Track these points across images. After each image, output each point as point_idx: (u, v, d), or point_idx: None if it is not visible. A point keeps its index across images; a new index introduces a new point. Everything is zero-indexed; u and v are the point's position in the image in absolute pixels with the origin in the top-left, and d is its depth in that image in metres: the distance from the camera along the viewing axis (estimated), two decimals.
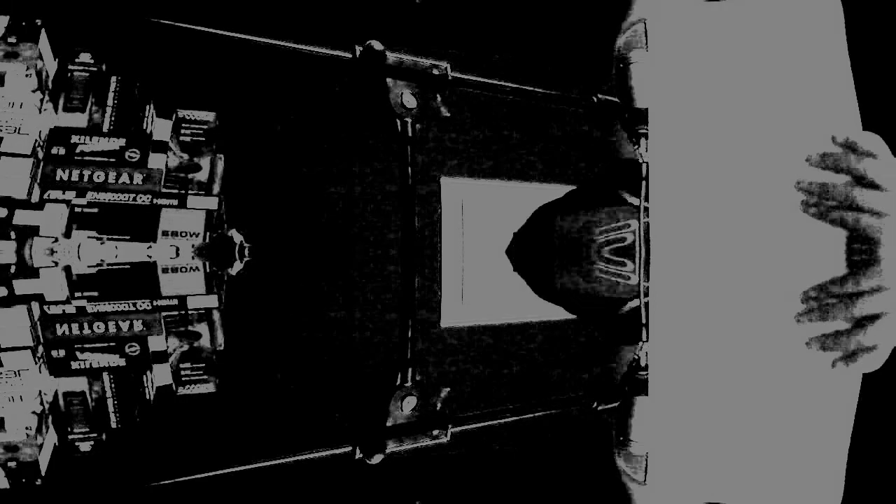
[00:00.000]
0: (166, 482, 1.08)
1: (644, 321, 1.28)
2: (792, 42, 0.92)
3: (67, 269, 0.95)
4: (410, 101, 1.32)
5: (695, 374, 0.98)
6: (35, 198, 0.96)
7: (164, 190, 1.03)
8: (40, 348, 0.98)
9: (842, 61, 0.90)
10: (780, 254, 0.93)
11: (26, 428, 0.96)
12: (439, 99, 1.35)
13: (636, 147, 1.31)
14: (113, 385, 1.02)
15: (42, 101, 0.99)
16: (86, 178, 1.00)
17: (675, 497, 1.00)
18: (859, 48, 0.91)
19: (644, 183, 1.25)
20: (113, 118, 1.04)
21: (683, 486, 0.99)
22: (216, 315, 1.09)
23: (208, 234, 1.02)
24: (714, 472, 0.97)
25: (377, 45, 1.28)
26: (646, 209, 1.23)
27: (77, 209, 0.97)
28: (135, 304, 1.00)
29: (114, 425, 1.03)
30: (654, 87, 1.00)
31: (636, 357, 1.34)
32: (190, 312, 1.05)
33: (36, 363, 0.96)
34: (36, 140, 0.97)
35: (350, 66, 1.26)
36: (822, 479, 0.92)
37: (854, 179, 0.89)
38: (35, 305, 0.96)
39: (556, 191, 1.49)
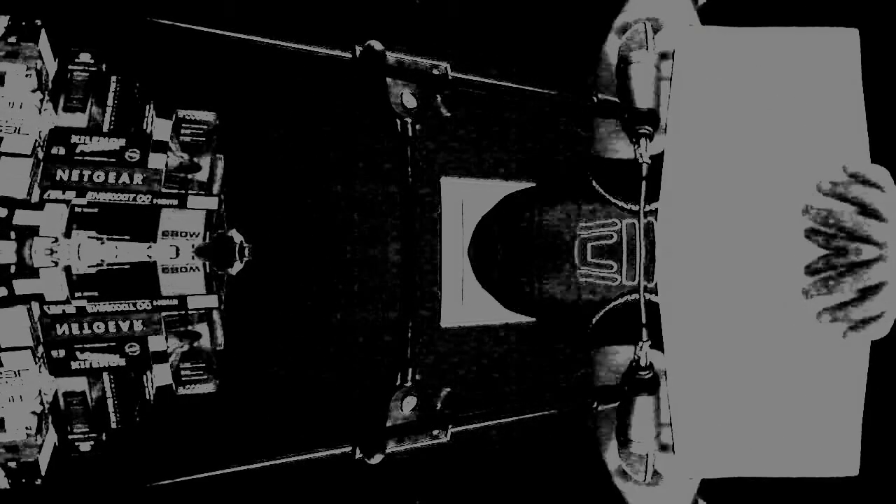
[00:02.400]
0: (166, 482, 1.08)
1: (644, 321, 1.28)
2: (809, 74, 0.98)
3: (67, 269, 0.95)
4: (410, 101, 1.32)
5: (711, 357, 1.02)
6: (35, 198, 0.96)
7: (164, 190, 1.03)
8: (40, 348, 0.98)
9: (856, 95, 0.96)
10: (788, 250, 0.97)
11: (26, 428, 0.96)
12: (439, 99, 1.35)
13: (637, 147, 1.31)
14: (113, 385, 1.02)
15: (42, 101, 0.99)
16: (86, 178, 1.00)
17: (698, 470, 1.05)
18: (873, 83, 0.95)
19: (644, 183, 1.25)
20: (113, 118, 1.04)
21: (705, 459, 1.03)
22: (216, 315, 1.09)
23: (208, 234, 1.02)
24: (734, 443, 1.01)
25: (377, 45, 1.28)
26: (648, 212, 1.23)
27: (77, 209, 0.97)
28: (135, 304, 1.00)
29: (114, 425, 1.03)
30: (674, 110, 1.04)
31: (636, 357, 1.34)
32: (190, 312, 1.05)
33: (36, 363, 0.96)
34: (36, 140, 0.97)
35: (350, 66, 1.26)
36: (840, 446, 0.97)
37: (859, 209, 0.94)
38: (35, 305, 0.96)
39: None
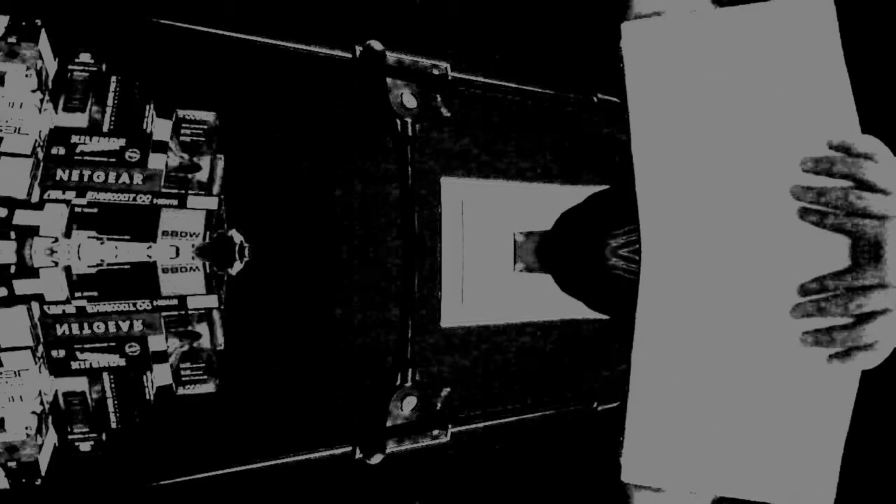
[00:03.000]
0: (166, 482, 1.08)
1: None
2: (783, 48, 0.89)
3: (67, 269, 0.95)
4: (410, 101, 1.32)
5: (685, 363, 0.96)
6: (35, 198, 0.96)
7: (164, 190, 1.03)
8: (40, 348, 0.98)
9: (837, 65, 0.88)
10: (780, 254, 0.91)
11: (26, 428, 0.95)
12: (439, 99, 1.35)
13: None
14: (113, 385, 1.02)
15: (42, 101, 0.98)
16: (86, 178, 1.00)
17: (641, 475, 0.99)
18: (857, 51, 0.90)
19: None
20: (113, 118, 1.04)
21: (673, 474, 0.97)
22: (216, 315, 1.09)
23: (208, 234, 1.02)
24: (705, 461, 0.95)
25: (377, 45, 1.28)
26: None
27: (77, 209, 0.97)
28: (135, 304, 1.00)
29: (114, 425, 1.03)
30: (638, 104, 0.97)
31: None
32: (190, 312, 1.05)
33: (36, 363, 0.96)
34: (36, 140, 0.97)
35: (350, 66, 1.26)
36: (816, 475, 0.91)
37: (854, 183, 0.87)
38: (35, 305, 0.96)
39: (556, 190, 1.49)
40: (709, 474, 0.95)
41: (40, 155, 0.98)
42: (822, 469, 0.90)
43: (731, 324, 0.94)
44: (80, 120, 1.02)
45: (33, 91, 0.97)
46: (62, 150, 1.00)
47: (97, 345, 1.01)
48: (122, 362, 1.02)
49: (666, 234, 0.97)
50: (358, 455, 1.21)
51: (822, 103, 0.88)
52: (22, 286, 0.93)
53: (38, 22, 0.98)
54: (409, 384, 1.31)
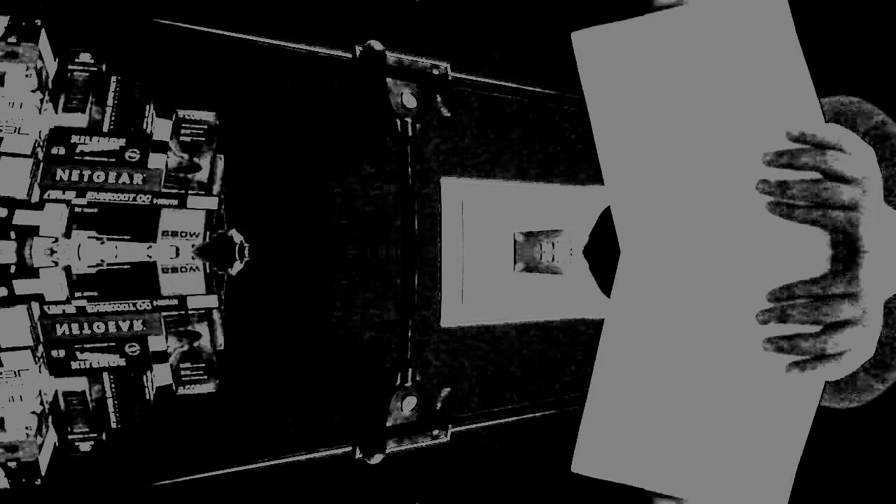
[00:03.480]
0: (166, 482, 1.08)
1: None
2: (737, 42, 0.87)
3: (67, 269, 0.95)
4: (410, 101, 1.32)
5: (648, 359, 0.94)
6: (35, 198, 0.96)
7: (164, 190, 1.03)
8: (40, 348, 0.98)
9: (793, 55, 0.85)
10: (755, 254, 0.89)
11: (26, 428, 0.95)
12: (439, 99, 1.35)
13: None
14: (113, 385, 1.02)
15: (42, 101, 0.98)
16: (86, 178, 1.00)
17: (588, 467, 0.97)
18: (816, 41, 0.87)
19: None
20: (113, 118, 1.04)
21: (624, 468, 0.95)
22: (216, 315, 1.09)
23: (208, 234, 1.02)
24: (656, 458, 0.93)
25: (377, 45, 1.28)
26: None
27: (77, 209, 0.97)
28: (135, 304, 1.00)
29: (114, 425, 1.03)
30: (598, 112, 0.95)
31: None
32: (190, 312, 1.05)
33: (36, 363, 0.96)
34: (36, 140, 0.97)
35: (350, 66, 1.26)
36: (767, 483, 0.88)
37: (821, 174, 0.83)
38: (35, 305, 0.96)
39: (556, 190, 1.49)
40: (659, 471, 0.93)
41: (40, 155, 0.98)
42: (778, 474, 0.87)
43: (699, 324, 0.91)
44: (80, 120, 1.02)
45: (33, 91, 0.97)
46: (62, 150, 1.00)
47: (97, 345, 1.01)
48: (122, 362, 1.02)
49: (638, 235, 0.96)
50: (358, 455, 1.22)
51: (784, 95, 0.85)
52: (22, 286, 0.93)
53: (38, 22, 0.98)
54: (409, 384, 1.31)
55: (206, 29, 1.14)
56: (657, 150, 0.92)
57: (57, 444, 1.01)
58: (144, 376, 1.04)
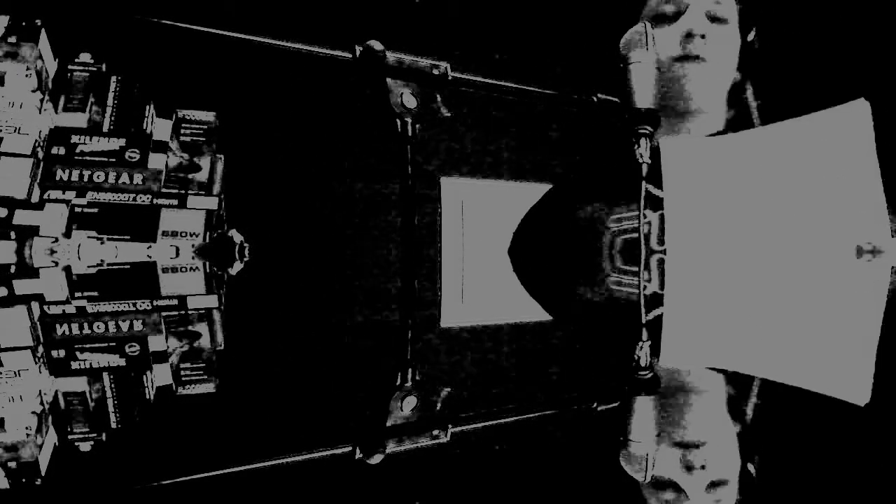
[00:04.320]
0: (166, 482, 1.08)
1: (643, 321, 1.28)
2: (821, 157, 0.94)
3: (67, 269, 0.95)
4: (410, 101, 1.32)
5: (726, 258, 1.00)
6: (35, 198, 0.96)
7: (164, 190, 1.03)
8: (40, 348, 0.98)
9: (872, 167, 0.91)
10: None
11: (26, 428, 0.96)
12: (439, 99, 1.35)
13: (636, 147, 1.31)
14: (113, 385, 1.02)
15: (42, 101, 0.98)
16: (86, 178, 1.00)
17: (704, 363, 1.03)
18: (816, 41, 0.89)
19: (643, 183, 1.25)
20: (113, 118, 1.04)
21: (710, 355, 1.01)
22: (216, 315, 1.09)
23: (208, 234, 1.02)
24: (744, 345, 0.99)
25: (377, 45, 1.28)
26: (647, 207, 1.23)
27: (77, 209, 0.97)
28: (135, 304, 1.00)
29: (114, 425, 1.03)
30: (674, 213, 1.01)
31: (636, 357, 1.34)
32: (190, 312, 1.05)
33: (36, 363, 0.96)
34: (36, 140, 0.97)
35: (350, 66, 1.26)
36: (852, 371, 0.94)
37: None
38: (35, 305, 0.96)
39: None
40: (748, 356, 0.99)
41: (40, 155, 0.98)
42: (860, 363, 0.93)
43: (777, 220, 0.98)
44: (80, 120, 1.02)
45: (33, 91, 0.97)
46: (62, 150, 1.00)
47: (97, 345, 1.01)
48: (122, 362, 1.02)
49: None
50: (358, 455, 1.21)
51: (856, 209, 0.93)
52: (22, 286, 0.93)
53: (38, 22, 0.98)
54: (409, 384, 1.31)
55: (206, 29, 1.14)
56: (726, 259, 0.99)
57: (57, 444, 1.01)
58: (144, 376, 1.04)
